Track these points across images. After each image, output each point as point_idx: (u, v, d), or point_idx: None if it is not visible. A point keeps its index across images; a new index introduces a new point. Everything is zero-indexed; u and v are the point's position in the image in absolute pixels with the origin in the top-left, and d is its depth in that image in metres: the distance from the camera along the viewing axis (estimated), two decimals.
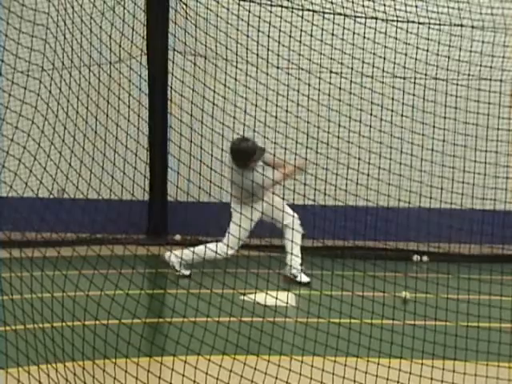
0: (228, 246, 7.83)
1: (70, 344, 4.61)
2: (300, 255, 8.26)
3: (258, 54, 5.73)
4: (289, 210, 8.22)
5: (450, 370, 4.75)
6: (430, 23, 6.58)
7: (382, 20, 6.44)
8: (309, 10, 6.88)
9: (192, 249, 8.24)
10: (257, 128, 8.08)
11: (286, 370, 4.68)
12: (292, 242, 7.95)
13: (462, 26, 6.98)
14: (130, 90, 5.81)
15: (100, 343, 4.66)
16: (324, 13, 6.62)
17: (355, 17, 6.63)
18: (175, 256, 8.38)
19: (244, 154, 7.94)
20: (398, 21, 6.55)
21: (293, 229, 7.98)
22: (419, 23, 6.45)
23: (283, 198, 7.89)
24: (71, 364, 4.52)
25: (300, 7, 7.02)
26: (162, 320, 6.23)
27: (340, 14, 6.74)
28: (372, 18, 6.62)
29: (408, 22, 6.56)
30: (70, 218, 8.02)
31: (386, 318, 5.33)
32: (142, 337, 5.01)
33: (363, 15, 6.77)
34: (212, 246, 8.13)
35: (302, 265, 8.25)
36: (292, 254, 8.08)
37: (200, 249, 8.15)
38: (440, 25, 6.63)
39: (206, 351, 4.86)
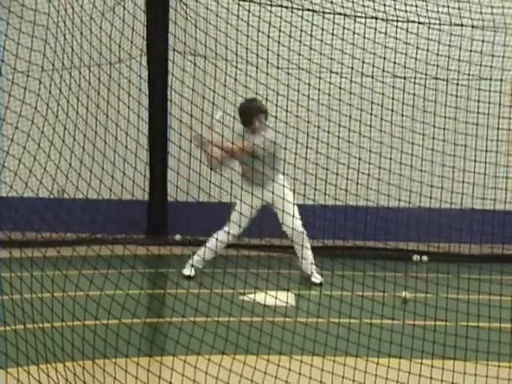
0: (229, 233, 7.87)
1: (69, 344, 4.61)
2: (310, 256, 8.24)
3: (258, 54, 5.73)
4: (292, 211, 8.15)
5: (449, 369, 4.74)
6: (430, 23, 6.57)
7: (382, 20, 6.44)
8: (309, 9, 6.88)
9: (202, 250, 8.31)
10: None
11: (286, 369, 4.69)
12: (301, 245, 8.02)
13: (462, 25, 6.97)
14: (130, 91, 5.81)
15: (100, 343, 4.67)
16: (324, 12, 6.61)
17: (355, 16, 6.63)
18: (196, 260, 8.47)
19: (248, 111, 8.17)
20: (398, 20, 6.55)
21: (293, 228, 7.97)
22: (419, 23, 6.44)
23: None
24: (71, 364, 4.53)
25: (300, 7, 7.02)
26: (161, 320, 6.24)
27: (340, 14, 6.74)
28: (372, 17, 6.62)
29: (408, 21, 6.56)
30: (70, 217, 8.02)
31: (385, 318, 5.33)
32: (142, 336, 5.01)
33: (363, 15, 6.77)
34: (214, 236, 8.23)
35: (313, 264, 8.22)
36: (302, 257, 8.16)
37: (206, 246, 8.25)
38: (440, 24, 6.62)
39: (206, 351, 4.86)
